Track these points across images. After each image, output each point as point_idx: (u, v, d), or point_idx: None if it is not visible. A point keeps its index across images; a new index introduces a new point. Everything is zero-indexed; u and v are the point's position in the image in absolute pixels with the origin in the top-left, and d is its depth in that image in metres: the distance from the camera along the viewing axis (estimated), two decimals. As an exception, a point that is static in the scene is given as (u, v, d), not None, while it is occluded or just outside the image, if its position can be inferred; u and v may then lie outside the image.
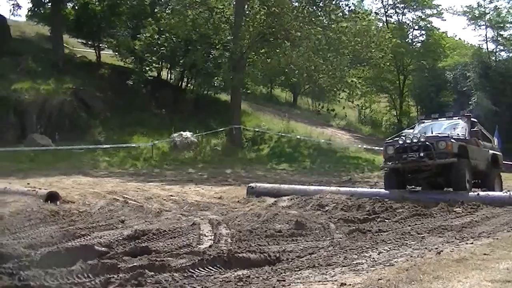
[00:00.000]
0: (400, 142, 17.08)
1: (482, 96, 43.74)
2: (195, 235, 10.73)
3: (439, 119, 19.37)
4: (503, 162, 21.71)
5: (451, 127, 18.28)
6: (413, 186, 18.12)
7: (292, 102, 53.18)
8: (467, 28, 79.11)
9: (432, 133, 17.72)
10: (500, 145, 21.85)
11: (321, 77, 32.60)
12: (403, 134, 18.14)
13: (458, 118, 18.85)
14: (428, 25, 53.24)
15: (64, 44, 37.38)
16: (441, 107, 36.05)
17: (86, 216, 13.67)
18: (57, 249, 8.83)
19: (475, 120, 19.23)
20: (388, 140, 19.14)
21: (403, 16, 53.95)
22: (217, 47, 32.65)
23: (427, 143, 16.57)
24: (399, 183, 17.48)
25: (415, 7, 52.64)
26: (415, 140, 16.77)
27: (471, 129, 18.15)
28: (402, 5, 53.15)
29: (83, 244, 9.46)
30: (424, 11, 52.88)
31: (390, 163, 17.34)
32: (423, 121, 19.89)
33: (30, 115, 29.01)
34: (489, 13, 49.83)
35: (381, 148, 20.10)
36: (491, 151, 19.26)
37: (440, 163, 16.51)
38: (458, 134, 17.56)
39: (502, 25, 49.43)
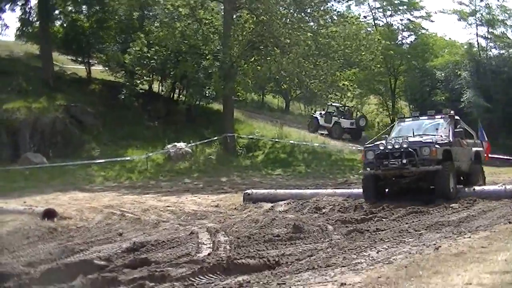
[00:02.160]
0: (381, 147, 16.28)
1: (474, 94, 43.82)
2: (194, 244, 10.74)
3: (420, 118, 18.62)
4: (496, 156, 21.71)
5: (433, 128, 17.50)
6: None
7: (285, 108, 53.28)
8: (458, 26, 79.11)
9: (413, 134, 16.83)
10: (482, 138, 21.48)
11: (312, 82, 32.58)
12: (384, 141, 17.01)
13: (441, 117, 18.02)
14: (417, 27, 53.24)
15: (54, 62, 37.35)
16: (433, 106, 36.03)
17: (84, 231, 13.69)
18: (57, 265, 8.83)
19: (458, 118, 18.55)
20: (368, 144, 18.22)
21: (392, 18, 54.02)
22: (207, 57, 32.59)
23: (409, 149, 15.81)
24: (379, 188, 16.75)
25: (402, 9, 52.59)
26: (396, 146, 16.00)
27: (455, 130, 17.42)
28: (389, 8, 53.13)
29: (82, 259, 9.47)
30: (412, 13, 52.92)
31: (370, 170, 16.50)
32: (403, 119, 19.08)
33: (23, 134, 28.97)
34: (479, 10, 49.88)
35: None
36: (473, 149, 18.56)
37: (424, 171, 15.84)
38: (441, 136, 16.82)
39: (492, 23, 49.33)
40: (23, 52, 40.92)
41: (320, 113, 42.96)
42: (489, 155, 21.62)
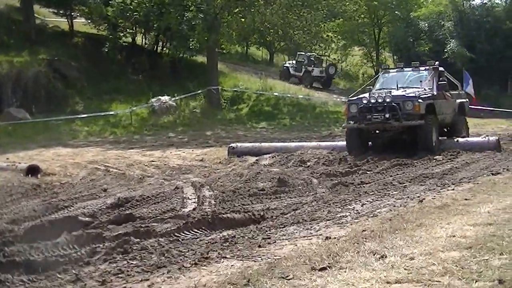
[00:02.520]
0: (364, 101, 16.31)
1: (457, 44, 43.79)
2: (179, 198, 10.73)
3: (405, 70, 18.52)
4: (480, 107, 21.64)
5: (417, 80, 17.46)
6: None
7: (269, 60, 53.04)
8: None
9: (397, 87, 16.79)
10: (466, 88, 21.41)
11: (296, 34, 32.53)
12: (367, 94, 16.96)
13: (425, 69, 17.95)
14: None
15: (35, 15, 36.78)
16: (417, 57, 36.01)
17: (68, 187, 13.61)
18: (41, 222, 8.78)
19: (442, 69, 18.41)
20: (351, 97, 17.99)
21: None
22: (190, 9, 32.31)
23: (393, 103, 15.85)
24: (362, 141, 16.86)
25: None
26: (380, 100, 16.02)
27: (439, 82, 17.38)
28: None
29: (66, 215, 9.42)
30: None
31: (353, 123, 16.59)
32: (387, 71, 19.08)
33: (5, 89, 28.62)
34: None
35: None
36: (458, 101, 18.56)
37: (406, 125, 15.96)
38: (425, 89, 16.81)
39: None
40: (3, 5, 40.21)
41: (290, 63, 43.85)
42: (472, 106, 21.67)
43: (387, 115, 15.86)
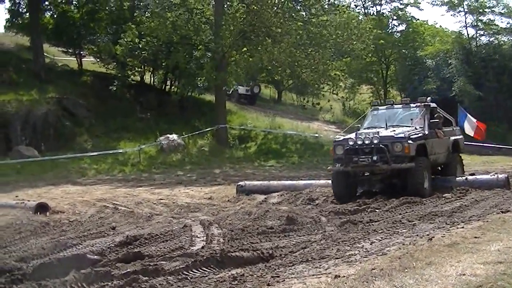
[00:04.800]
0: (351, 143, 15.47)
1: (464, 82, 43.88)
2: (187, 237, 10.73)
3: (395, 106, 17.71)
4: (488, 144, 21.51)
5: (408, 118, 16.63)
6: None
7: (277, 99, 53.18)
8: (446, 15, 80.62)
9: (386, 126, 16.08)
10: (461, 124, 21.14)
11: (304, 72, 32.60)
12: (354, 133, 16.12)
13: (416, 106, 17.09)
14: (407, 15, 53.09)
15: (45, 53, 37.09)
16: (424, 95, 36.03)
17: (77, 225, 13.65)
18: (49, 260, 8.81)
19: (435, 106, 17.63)
20: (337, 138, 17.13)
21: (381, 7, 53.87)
22: (198, 47, 32.54)
23: (381, 145, 15.04)
24: (350, 185, 15.93)
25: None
26: (367, 142, 15.21)
27: (431, 120, 16.57)
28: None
29: (75, 253, 9.45)
30: (401, 1, 52.78)
31: (339, 165, 15.76)
32: (377, 108, 18.00)
33: (14, 127, 28.77)
34: (468, -2, 49.93)
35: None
36: (452, 138, 17.71)
37: (396, 168, 15.14)
38: (415, 128, 16.00)
39: (481, 10, 49.47)
40: (13, 44, 40.66)
41: None
42: (481, 144, 21.58)
43: (374, 158, 15.09)
